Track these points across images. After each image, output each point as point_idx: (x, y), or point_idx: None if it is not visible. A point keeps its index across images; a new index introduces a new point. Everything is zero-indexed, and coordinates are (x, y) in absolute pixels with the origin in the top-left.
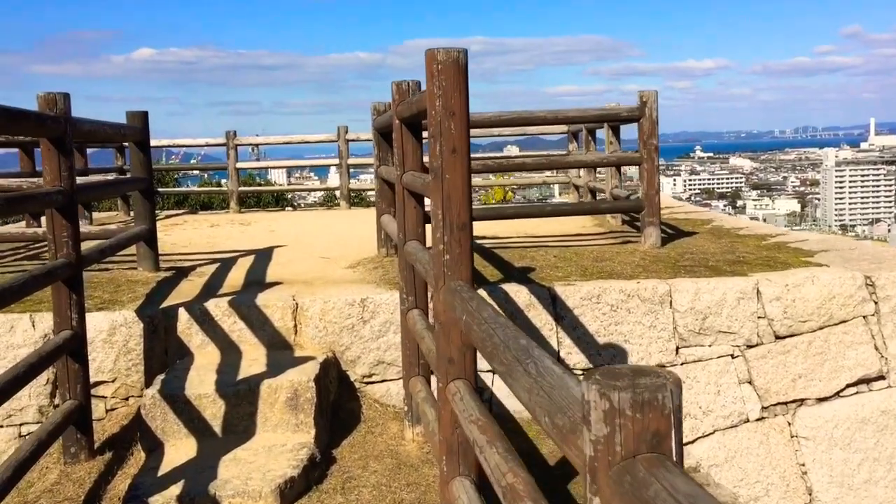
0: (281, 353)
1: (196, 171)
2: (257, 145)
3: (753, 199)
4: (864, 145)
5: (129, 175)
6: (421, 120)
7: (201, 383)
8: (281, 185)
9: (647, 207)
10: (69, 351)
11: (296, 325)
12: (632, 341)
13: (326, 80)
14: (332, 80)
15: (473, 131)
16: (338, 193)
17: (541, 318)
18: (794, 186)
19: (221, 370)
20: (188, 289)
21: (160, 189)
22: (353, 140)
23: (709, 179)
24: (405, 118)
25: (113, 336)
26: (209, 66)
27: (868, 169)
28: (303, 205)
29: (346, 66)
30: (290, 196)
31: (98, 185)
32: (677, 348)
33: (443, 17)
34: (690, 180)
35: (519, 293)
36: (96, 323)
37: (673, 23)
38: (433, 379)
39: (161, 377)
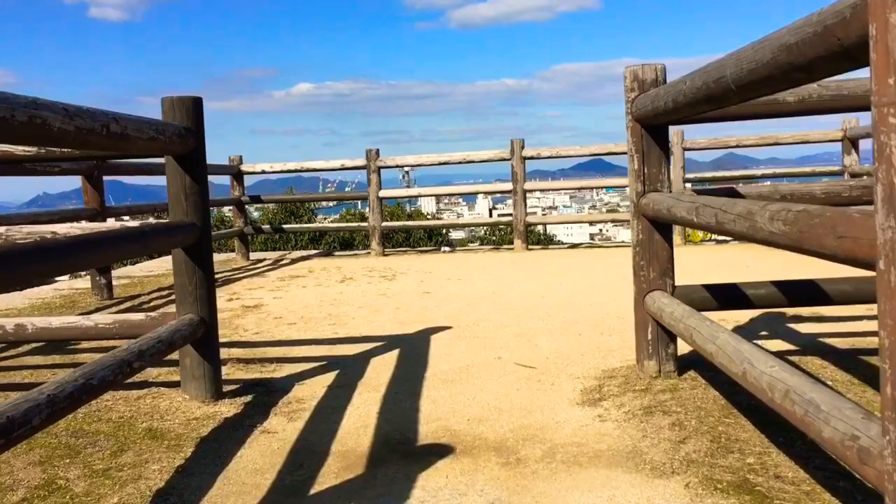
0: None
1: (343, 201)
2: (409, 169)
3: None
4: None
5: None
6: None
7: None
8: (434, 216)
9: None
10: None
11: None
12: None
13: (473, 107)
14: (479, 108)
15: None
16: (509, 229)
17: None
18: None
19: None
20: (254, 466)
21: (285, 226)
22: (530, 158)
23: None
24: None
25: None
26: (362, 97)
27: None
28: (451, 237)
29: (493, 92)
30: (444, 232)
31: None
32: None
33: (588, 42)
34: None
35: None
36: None
37: None
38: None
39: None
